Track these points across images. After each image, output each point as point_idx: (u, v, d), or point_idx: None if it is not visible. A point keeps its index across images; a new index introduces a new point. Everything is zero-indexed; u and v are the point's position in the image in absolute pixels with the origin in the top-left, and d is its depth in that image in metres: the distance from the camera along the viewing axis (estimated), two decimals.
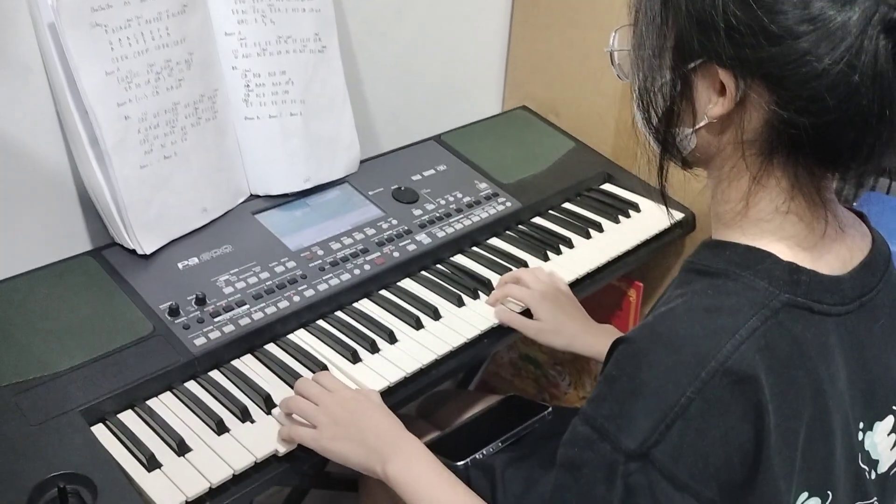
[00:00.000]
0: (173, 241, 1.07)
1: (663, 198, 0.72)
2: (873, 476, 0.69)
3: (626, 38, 0.69)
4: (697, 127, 0.65)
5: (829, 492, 0.64)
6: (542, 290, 1.09)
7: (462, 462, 1.01)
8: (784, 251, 0.64)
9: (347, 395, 0.87)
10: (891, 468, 0.72)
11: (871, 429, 0.68)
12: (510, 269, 1.17)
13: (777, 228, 0.65)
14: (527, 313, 1.09)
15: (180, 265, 1.04)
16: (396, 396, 0.96)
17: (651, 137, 0.69)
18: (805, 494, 0.63)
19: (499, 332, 1.08)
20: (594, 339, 1.05)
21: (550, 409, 1.12)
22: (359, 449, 0.82)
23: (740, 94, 0.61)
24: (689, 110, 0.65)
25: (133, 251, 1.03)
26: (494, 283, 1.14)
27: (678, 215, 1.34)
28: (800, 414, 0.61)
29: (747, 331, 0.59)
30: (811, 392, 0.61)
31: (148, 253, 1.03)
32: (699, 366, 0.58)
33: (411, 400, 1.00)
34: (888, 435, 0.70)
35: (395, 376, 0.96)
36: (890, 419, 0.70)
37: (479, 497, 0.79)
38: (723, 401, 0.58)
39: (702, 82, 0.64)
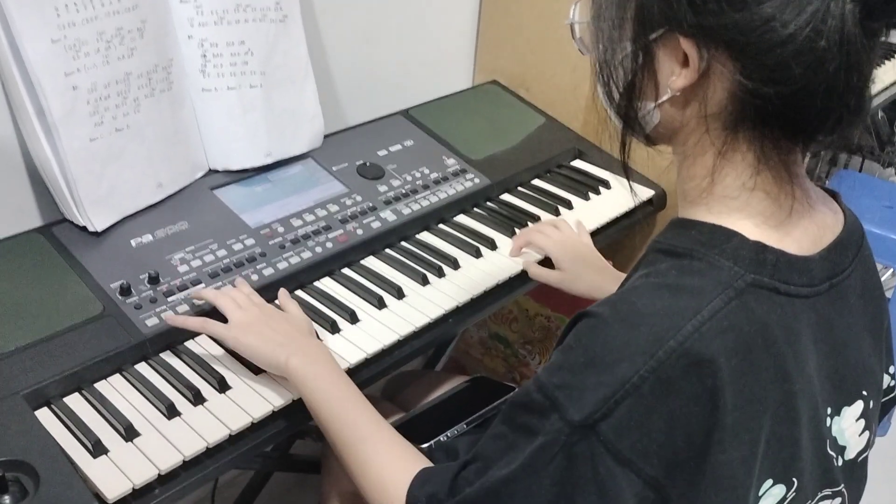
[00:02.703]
0: (127, 217, 1.03)
1: (626, 174, 0.69)
2: (840, 463, 0.68)
3: (586, 10, 0.66)
4: (660, 101, 0.63)
5: (794, 479, 0.63)
6: (562, 240, 1.12)
7: (426, 444, 0.99)
8: (751, 229, 0.62)
9: (269, 309, 0.91)
10: (858, 455, 0.70)
11: (838, 414, 0.66)
12: (477, 248, 1.14)
13: (743, 205, 0.62)
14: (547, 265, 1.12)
15: (133, 242, 1.00)
16: (358, 378, 0.93)
17: (613, 113, 0.67)
18: (770, 482, 0.62)
19: (464, 312, 1.06)
20: (614, 285, 1.04)
21: (517, 390, 1.10)
22: (267, 344, 0.85)
23: (704, 64, 0.59)
24: (652, 83, 0.63)
25: (84, 228, 0.99)
26: (461, 262, 1.12)
27: (648, 193, 1.32)
28: (762, 399, 0.59)
29: (709, 312, 0.57)
30: (776, 376, 0.59)
31: (99, 230, 0.99)
32: (656, 344, 0.56)
33: (374, 381, 0.97)
34: (856, 420, 0.68)
35: (355, 357, 0.93)
36: (859, 404, 0.68)
37: (372, 405, 0.80)
38: (675, 382, 0.56)
39: (664, 53, 0.61)
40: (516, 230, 1.20)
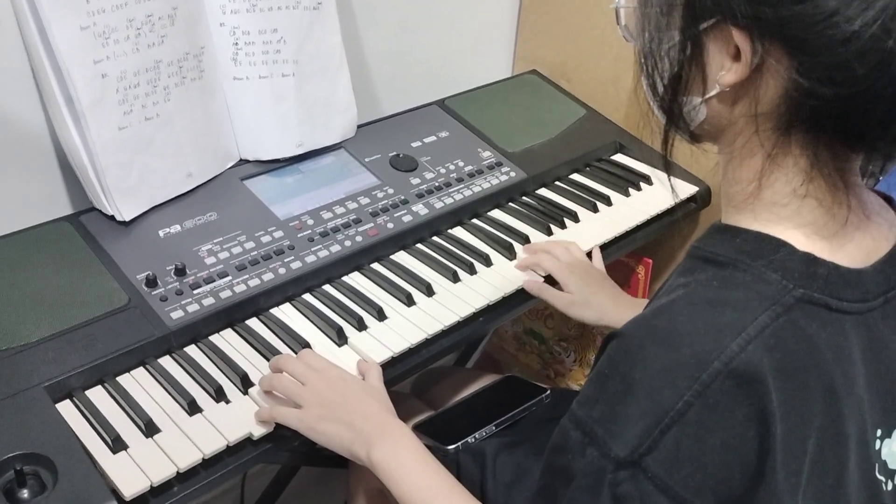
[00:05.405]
0: (155, 207, 1.02)
1: (667, 171, 0.65)
2: (890, 487, 0.63)
3: None
4: (708, 96, 0.59)
5: None
6: (571, 263, 1.06)
7: (453, 446, 0.97)
8: (800, 240, 0.57)
9: (335, 375, 0.82)
10: None
11: (889, 436, 0.62)
12: (511, 244, 1.11)
13: (793, 214, 0.58)
14: (554, 285, 1.06)
15: (161, 233, 0.99)
16: (385, 376, 0.90)
17: (656, 106, 0.63)
18: None
19: (496, 310, 1.03)
20: (626, 313, 0.99)
21: (549, 391, 1.06)
22: (345, 431, 0.78)
23: (757, 59, 0.54)
24: (699, 77, 0.58)
25: (112, 217, 0.98)
26: (493, 259, 1.09)
27: (691, 189, 1.27)
28: (809, 422, 0.55)
29: (756, 329, 0.53)
30: (824, 398, 0.55)
31: (127, 219, 0.98)
32: (699, 366, 0.52)
33: (401, 380, 0.95)
34: None
35: (381, 356, 0.91)
36: None
37: (464, 488, 0.74)
38: (725, 406, 0.52)
39: (714, 45, 0.56)
40: (551, 227, 1.16)
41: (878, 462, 0.61)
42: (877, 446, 0.61)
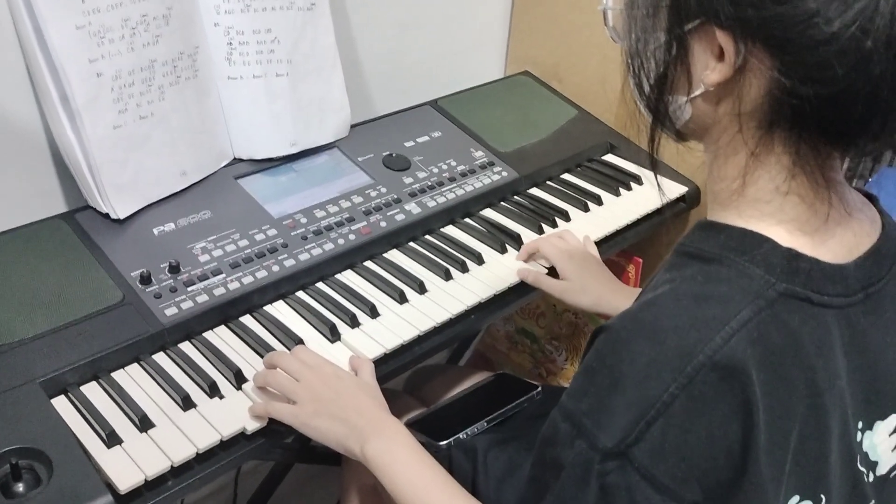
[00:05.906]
0: (150, 205, 1.03)
1: (653, 170, 0.67)
2: (871, 478, 0.64)
3: None
4: (692, 95, 0.60)
5: (822, 495, 0.60)
6: (569, 249, 1.08)
7: (445, 442, 0.98)
8: (783, 236, 0.58)
9: (329, 371, 0.83)
10: (891, 470, 0.67)
11: (870, 428, 0.63)
12: (502, 243, 1.12)
13: (776, 210, 0.59)
14: (553, 275, 1.08)
15: (156, 231, 1.00)
16: (377, 373, 0.91)
17: (642, 106, 0.64)
18: (796, 497, 0.59)
19: (487, 308, 1.04)
20: (621, 300, 1.02)
21: (539, 388, 1.08)
22: (339, 427, 0.79)
23: (740, 59, 0.55)
24: (684, 77, 0.60)
25: (106, 215, 0.99)
26: (485, 256, 1.10)
27: (680, 189, 1.29)
28: (792, 413, 0.56)
29: (739, 322, 0.54)
30: (806, 390, 0.56)
31: (122, 217, 0.99)
32: (684, 359, 0.53)
33: (393, 377, 0.96)
34: (889, 435, 0.65)
35: (374, 353, 0.91)
36: (893, 419, 0.65)
37: (458, 484, 0.75)
38: (709, 397, 0.53)
39: (699, 46, 0.58)
40: (543, 226, 1.17)
41: (859, 454, 0.63)
42: (858, 438, 0.62)
